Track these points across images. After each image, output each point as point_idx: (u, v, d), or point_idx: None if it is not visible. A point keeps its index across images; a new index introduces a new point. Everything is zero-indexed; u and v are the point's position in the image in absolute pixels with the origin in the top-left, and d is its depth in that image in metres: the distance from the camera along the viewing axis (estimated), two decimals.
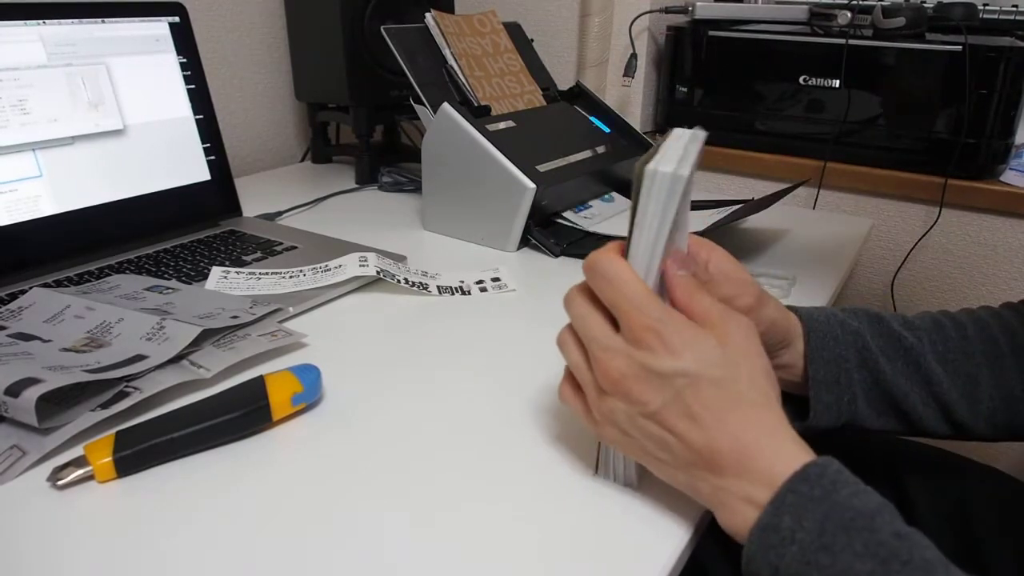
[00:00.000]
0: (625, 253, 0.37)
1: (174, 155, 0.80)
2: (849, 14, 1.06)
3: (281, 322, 0.61)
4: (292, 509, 0.41)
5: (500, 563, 0.37)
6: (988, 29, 1.08)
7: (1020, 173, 1.01)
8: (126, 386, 0.49)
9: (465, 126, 0.79)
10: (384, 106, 1.07)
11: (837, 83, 1.06)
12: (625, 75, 1.18)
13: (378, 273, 0.68)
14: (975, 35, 0.99)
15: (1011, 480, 0.60)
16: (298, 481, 0.43)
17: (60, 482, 0.42)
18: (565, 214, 0.84)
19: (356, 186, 1.06)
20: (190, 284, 0.67)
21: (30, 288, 0.61)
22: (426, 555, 0.38)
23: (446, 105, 0.80)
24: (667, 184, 0.35)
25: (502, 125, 0.84)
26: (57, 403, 0.46)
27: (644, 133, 0.97)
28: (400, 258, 0.76)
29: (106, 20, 0.74)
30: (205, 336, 0.54)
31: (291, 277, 0.69)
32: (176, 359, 0.52)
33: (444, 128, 0.80)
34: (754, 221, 0.92)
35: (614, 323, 0.37)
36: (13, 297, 0.61)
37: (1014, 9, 1.09)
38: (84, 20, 0.73)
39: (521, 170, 0.77)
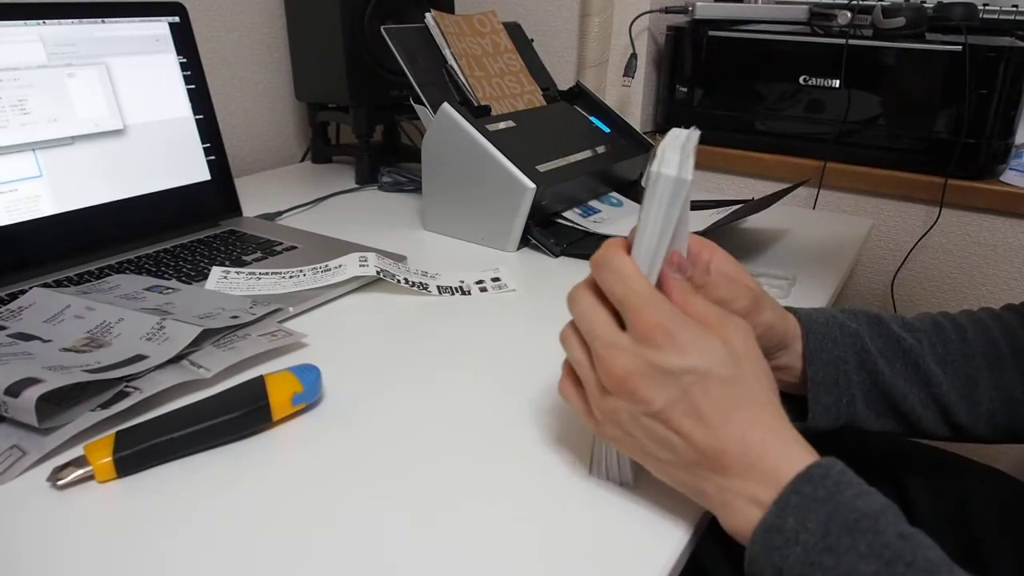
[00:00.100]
0: (629, 252, 0.37)
1: (174, 155, 0.80)
2: (849, 14, 1.06)
3: (281, 322, 0.61)
4: (292, 509, 0.41)
5: (500, 563, 0.37)
6: (988, 29, 1.08)
7: (1020, 173, 1.01)
8: (126, 386, 0.49)
9: (465, 126, 0.79)
10: (384, 106, 1.07)
11: (837, 83, 1.06)
12: (625, 75, 1.18)
13: (378, 273, 0.68)
14: (975, 35, 0.99)
15: (1011, 480, 0.60)
16: (298, 481, 0.43)
17: (60, 482, 0.42)
18: (565, 214, 0.84)
19: (356, 186, 1.06)
20: (190, 284, 0.67)
21: (30, 288, 0.61)
22: (426, 555, 0.38)
23: (446, 105, 0.80)
24: (670, 187, 0.35)
25: (502, 125, 0.84)
26: (57, 403, 0.46)
27: (644, 133, 0.97)
28: (400, 258, 0.76)
29: (106, 20, 0.74)
30: (205, 336, 0.54)
31: (291, 277, 0.69)
32: (176, 359, 0.52)
33: (444, 128, 0.80)
34: (754, 221, 0.92)
35: (618, 321, 0.37)
36: (13, 297, 0.61)
37: (1014, 9, 1.09)
38: (84, 20, 0.73)
39: (521, 170, 0.77)
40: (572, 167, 0.84)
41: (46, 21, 0.70)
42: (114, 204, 0.74)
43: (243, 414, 0.46)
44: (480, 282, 0.72)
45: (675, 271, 0.38)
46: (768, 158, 1.15)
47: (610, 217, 0.86)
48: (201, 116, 0.82)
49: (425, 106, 0.84)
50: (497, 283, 0.72)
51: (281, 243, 0.78)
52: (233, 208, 0.86)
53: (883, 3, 1.06)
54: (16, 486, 0.43)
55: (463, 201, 0.82)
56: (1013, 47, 0.96)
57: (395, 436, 0.48)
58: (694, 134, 0.37)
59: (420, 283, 0.70)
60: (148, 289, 0.63)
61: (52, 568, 0.37)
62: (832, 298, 0.73)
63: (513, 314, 0.66)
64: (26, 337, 0.53)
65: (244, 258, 0.74)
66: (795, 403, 0.47)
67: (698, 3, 1.14)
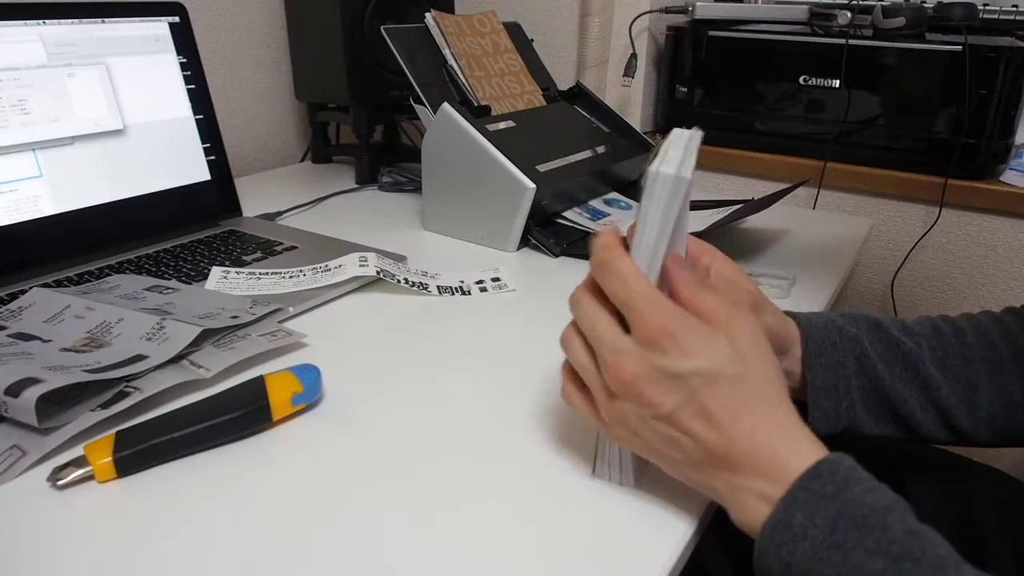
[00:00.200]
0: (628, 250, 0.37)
1: (174, 155, 0.80)
2: (849, 14, 1.06)
3: (281, 322, 0.61)
4: (292, 509, 0.41)
5: (500, 563, 0.37)
6: (988, 29, 1.08)
7: (1020, 173, 1.01)
8: (126, 386, 0.49)
9: (465, 126, 0.79)
10: (384, 106, 1.07)
11: (837, 83, 1.06)
12: (625, 75, 1.18)
13: (378, 273, 0.68)
14: (975, 35, 0.99)
15: (1012, 480, 0.60)
16: (298, 481, 0.43)
17: (60, 482, 0.42)
18: (565, 214, 0.84)
19: (356, 186, 1.06)
20: (190, 284, 0.67)
21: (30, 288, 0.61)
22: (426, 555, 0.38)
23: (446, 105, 0.80)
24: (669, 186, 0.35)
25: (502, 125, 0.84)
26: (57, 403, 0.46)
27: (644, 133, 0.97)
28: (400, 258, 0.76)
29: (106, 20, 0.74)
30: (205, 336, 0.54)
31: (291, 277, 0.69)
32: (176, 359, 0.52)
33: (444, 128, 0.80)
34: (754, 221, 0.92)
35: (622, 324, 0.37)
36: (13, 297, 0.61)
37: (1014, 9, 1.09)
38: (84, 20, 0.73)
39: (521, 170, 0.77)
40: (572, 167, 0.84)
41: (46, 21, 0.70)
42: (114, 204, 0.74)
43: (243, 414, 0.46)
44: (480, 282, 0.72)
45: (681, 267, 0.38)
46: (768, 158, 1.15)
47: (620, 220, 0.86)
48: (201, 116, 0.82)
49: (425, 106, 0.84)
50: (497, 283, 0.72)
51: (281, 243, 0.78)
52: (233, 208, 0.86)
53: (883, 3, 1.06)
54: (16, 486, 0.43)
55: (463, 201, 0.82)
56: (1013, 47, 0.96)
57: (395, 436, 0.48)
58: (697, 134, 0.37)
59: (420, 283, 0.70)
60: (148, 289, 0.63)
61: (52, 568, 0.37)
62: (832, 298, 0.73)
63: (513, 314, 0.66)
64: (26, 337, 0.53)
65: (244, 258, 0.74)
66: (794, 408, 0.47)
67: (698, 3, 1.14)
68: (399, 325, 0.63)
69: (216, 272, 0.69)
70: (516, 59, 0.96)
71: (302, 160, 1.24)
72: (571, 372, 0.40)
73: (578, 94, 0.98)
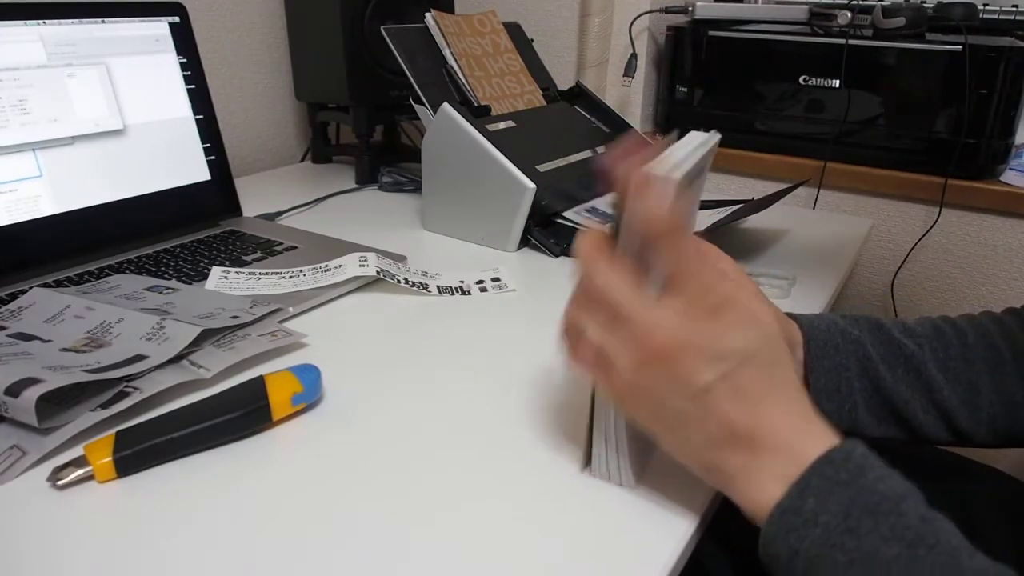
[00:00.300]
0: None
1: (174, 155, 0.80)
2: (849, 14, 1.06)
3: (281, 322, 0.61)
4: (292, 509, 0.41)
5: (500, 563, 0.37)
6: (988, 29, 1.08)
7: (1020, 173, 1.01)
8: (126, 386, 0.49)
9: (465, 126, 0.79)
10: (384, 106, 1.07)
11: (837, 83, 1.06)
12: (625, 75, 1.18)
13: (378, 273, 0.68)
14: (975, 35, 0.99)
15: (1012, 480, 0.60)
16: (298, 481, 0.43)
17: (60, 482, 0.42)
18: (565, 214, 0.84)
19: (356, 186, 1.06)
20: (190, 284, 0.67)
21: (30, 288, 0.61)
22: (426, 555, 0.38)
23: (446, 105, 0.80)
24: (658, 187, 0.34)
25: (502, 125, 0.84)
26: (57, 403, 0.46)
27: (644, 133, 0.97)
28: (400, 258, 0.76)
29: (106, 20, 0.74)
30: (205, 336, 0.54)
31: (291, 277, 0.69)
32: (176, 359, 0.52)
33: (444, 128, 0.80)
34: (754, 221, 0.91)
35: None
36: (13, 297, 0.61)
37: (1014, 9, 1.09)
38: (84, 20, 0.73)
39: (521, 170, 0.77)
40: (572, 167, 0.84)
41: (46, 21, 0.70)
42: (114, 204, 0.74)
43: (243, 414, 0.46)
44: (480, 282, 0.72)
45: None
46: (768, 158, 1.15)
47: None
48: (201, 116, 0.82)
49: (425, 106, 0.84)
50: (497, 283, 0.72)
51: (281, 243, 0.78)
52: (233, 208, 0.86)
53: (883, 3, 1.06)
54: (16, 486, 0.43)
55: (463, 201, 0.82)
56: (1013, 47, 0.96)
57: (395, 436, 0.48)
58: (713, 138, 0.37)
59: (420, 283, 0.70)
60: (148, 289, 0.63)
61: (52, 568, 0.37)
62: (832, 298, 0.73)
63: (513, 314, 0.66)
64: (26, 337, 0.53)
65: (244, 258, 0.74)
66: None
67: (698, 3, 1.14)
68: (399, 325, 0.63)
69: (216, 272, 0.69)
70: (516, 59, 0.96)
71: (302, 160, 1.24)
72: (585, 341, 0.37)
73: (578, 94, 0.98)
